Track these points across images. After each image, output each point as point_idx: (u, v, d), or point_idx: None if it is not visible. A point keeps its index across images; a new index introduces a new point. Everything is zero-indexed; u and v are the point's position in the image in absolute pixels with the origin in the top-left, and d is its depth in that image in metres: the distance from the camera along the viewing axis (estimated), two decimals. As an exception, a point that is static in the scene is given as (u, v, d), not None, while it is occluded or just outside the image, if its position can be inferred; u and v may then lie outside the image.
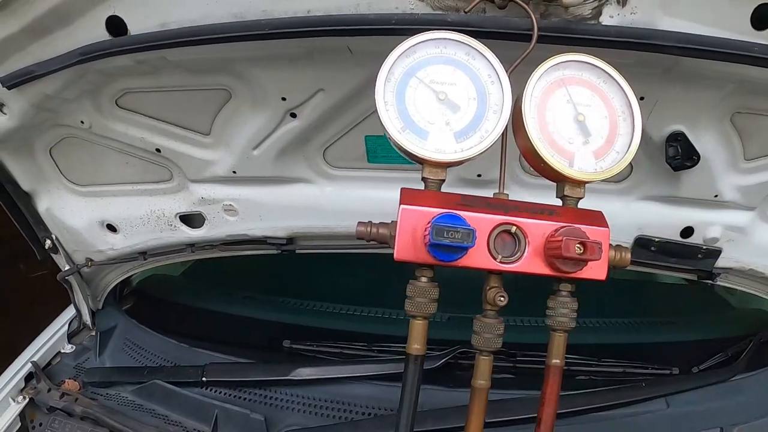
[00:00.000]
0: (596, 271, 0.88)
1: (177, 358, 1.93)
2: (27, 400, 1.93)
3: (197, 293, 2.28)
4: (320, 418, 1.69)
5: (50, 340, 2.12)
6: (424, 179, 0.91)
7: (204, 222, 1.72)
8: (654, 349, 2.10)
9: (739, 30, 1.11)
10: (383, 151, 1.44)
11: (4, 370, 1.98)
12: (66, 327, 2.17)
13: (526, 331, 2.06)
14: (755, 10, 1.08)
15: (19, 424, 1.92)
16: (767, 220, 1.65)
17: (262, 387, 1.76)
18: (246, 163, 1.50)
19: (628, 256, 0.95)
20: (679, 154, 1.40)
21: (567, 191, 0.94)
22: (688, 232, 1.65)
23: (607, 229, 0.90)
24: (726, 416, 1.69)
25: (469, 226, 0.79)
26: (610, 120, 0.93)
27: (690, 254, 1.69)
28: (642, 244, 1.66)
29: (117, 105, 1.47)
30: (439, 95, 0.86)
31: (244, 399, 1.75)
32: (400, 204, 0.88)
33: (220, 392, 1.77)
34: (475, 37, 0.90)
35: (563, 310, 0.93)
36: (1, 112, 1.45)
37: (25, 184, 1.76)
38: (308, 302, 2.15)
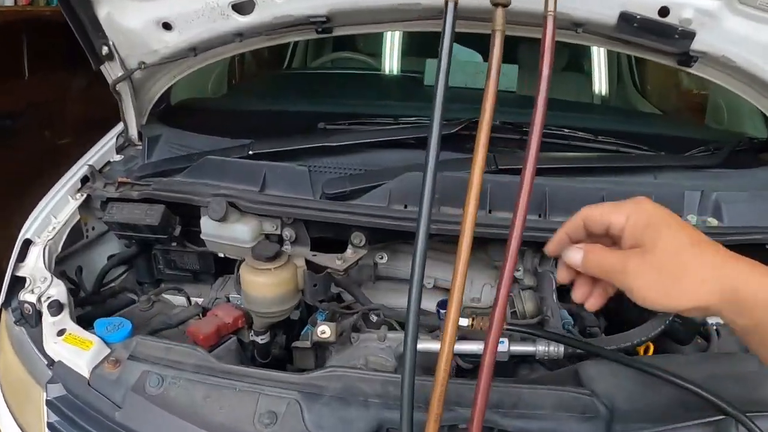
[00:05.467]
0: None
1: (222, 150, 2.19)
2: (84, 196, 2.17)
3: (236, 101, 2.54)
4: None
5: (100, 150, 2.37)
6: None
7: (254, 7, 1.96)
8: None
9: None
10: None
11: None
12: (114, 141, 2.42)
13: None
14: None
15: (77, 217, 2.16)
16: (735, 12, 1.80)
17: (303, 155, 2.03)
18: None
19: None
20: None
21: None
22: (664, 12, 1.82)
23: None
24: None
25: None
26: None
27: (668, 33, 1.88)
28: (626, 18, 1.84)
29: None
30: None
31: (288, 164, 2.01)
32: None
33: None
34: None
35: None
36: None
37: (86, -10, 1.99)
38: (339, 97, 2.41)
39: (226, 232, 1.88)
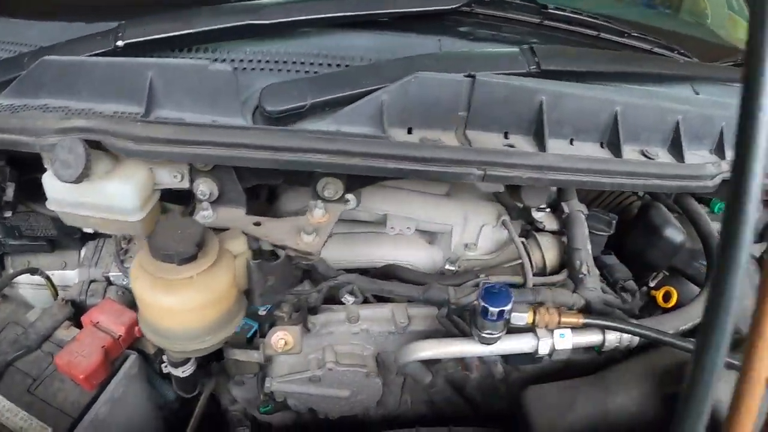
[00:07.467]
0: None
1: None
2: None
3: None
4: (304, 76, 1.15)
5: None
6: None
7: None
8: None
9: None
10: None
11: None
12: None
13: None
14: None
15: None
16: None
17: (215, 42, 1.17)
18: None
19: None
20: None
21: None
22: None
23: None
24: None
25: None
26: None
27: None
28: None
29: None
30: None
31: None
32: None
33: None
34: None
35: None
36: None
37: None
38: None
39: (92, 197, 0.99)
